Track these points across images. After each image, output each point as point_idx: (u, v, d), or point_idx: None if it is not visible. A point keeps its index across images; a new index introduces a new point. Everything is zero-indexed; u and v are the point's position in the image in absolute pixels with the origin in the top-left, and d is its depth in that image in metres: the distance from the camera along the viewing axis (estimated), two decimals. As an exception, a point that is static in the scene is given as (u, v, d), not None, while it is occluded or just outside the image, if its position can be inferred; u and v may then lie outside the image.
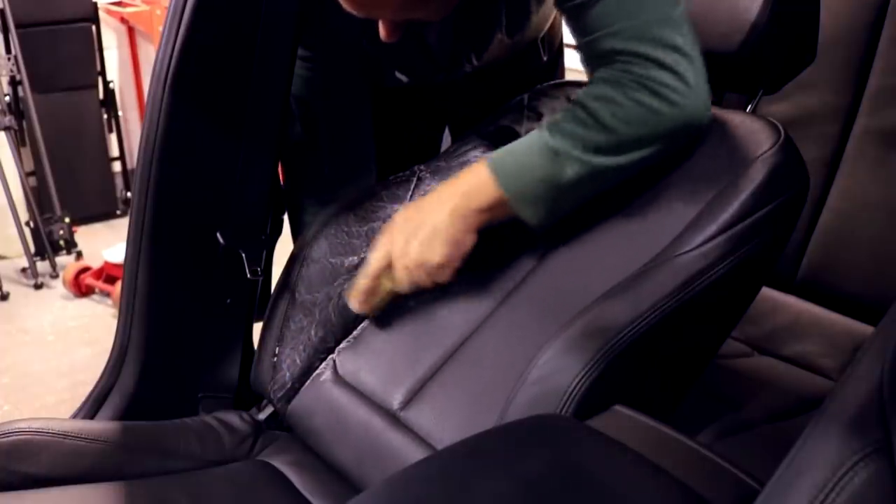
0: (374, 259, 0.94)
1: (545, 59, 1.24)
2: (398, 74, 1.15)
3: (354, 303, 0.98)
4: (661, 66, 0.81)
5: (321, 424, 0.99)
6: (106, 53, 3.04)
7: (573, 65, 1.13)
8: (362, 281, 0.95)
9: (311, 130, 1.19)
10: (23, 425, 0.92)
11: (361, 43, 1.07)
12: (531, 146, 0.86)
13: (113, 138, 3.14)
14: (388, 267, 0.93)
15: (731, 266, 0.82)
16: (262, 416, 1.08)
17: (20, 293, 2.54)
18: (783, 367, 1.26)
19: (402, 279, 0.92)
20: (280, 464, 1.00)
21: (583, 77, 0.94)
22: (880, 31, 1.25)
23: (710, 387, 1.15)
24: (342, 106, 1.18)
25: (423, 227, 0.89)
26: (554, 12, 1.19)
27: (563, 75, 1.31)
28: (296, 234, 1.23)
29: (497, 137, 1.11)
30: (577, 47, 0.89)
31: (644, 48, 0.81)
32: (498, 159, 0.88)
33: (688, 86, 0.81)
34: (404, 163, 1.13)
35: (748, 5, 0.88)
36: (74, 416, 1.06)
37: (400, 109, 1.27)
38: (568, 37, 1.32)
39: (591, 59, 0.87)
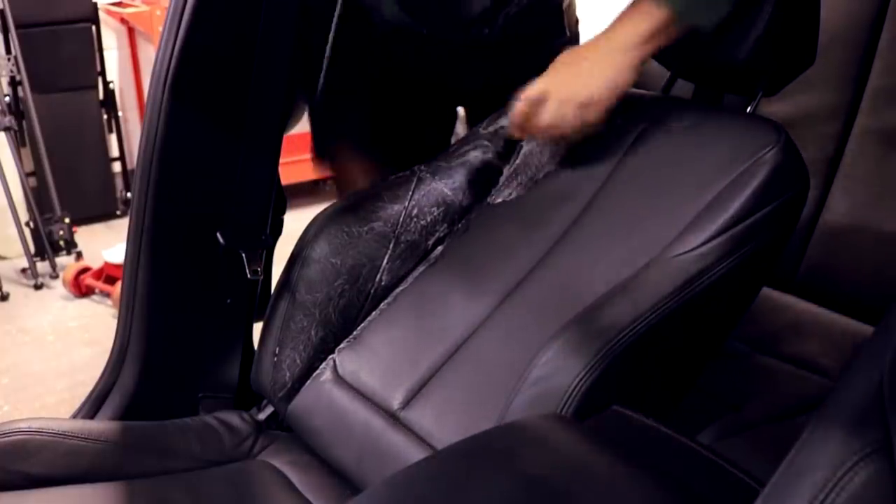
0: (534, 88, 0.96)
1: (568, 34, 1.27)
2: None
3: (512, 127, 1.00)
4: None
5: (321, 424, 0.99)
6: (106, 54, 3.04)
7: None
8: (519, 105, 0.97)
9: None
10: (23, 425, 0.92)
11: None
12: None
13: (113, 138, 3.14)
14: (545, 99, 0.95)
15: (731, 266, 0.82)
16: (262, 416, 1.08)
17: (20, 293, 2.53)
18: (783, 367, 1.26)
19: (553, 112, 0.94)
20: (280, 464, 1.00)
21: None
22: (880, 31, 1.25)
23: (710, 387, 1.15)
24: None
25: (584, 62, 0.92)
26: None
27: None
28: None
29: (497, 138, 1.11)
30: None
31: None
32: None
33: None
34: (415, 160, 1.13)
35: (748, 12, 0.88)
36: (74, 416, 1.06)
37: (420, 99, 1.28)
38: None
39: None
